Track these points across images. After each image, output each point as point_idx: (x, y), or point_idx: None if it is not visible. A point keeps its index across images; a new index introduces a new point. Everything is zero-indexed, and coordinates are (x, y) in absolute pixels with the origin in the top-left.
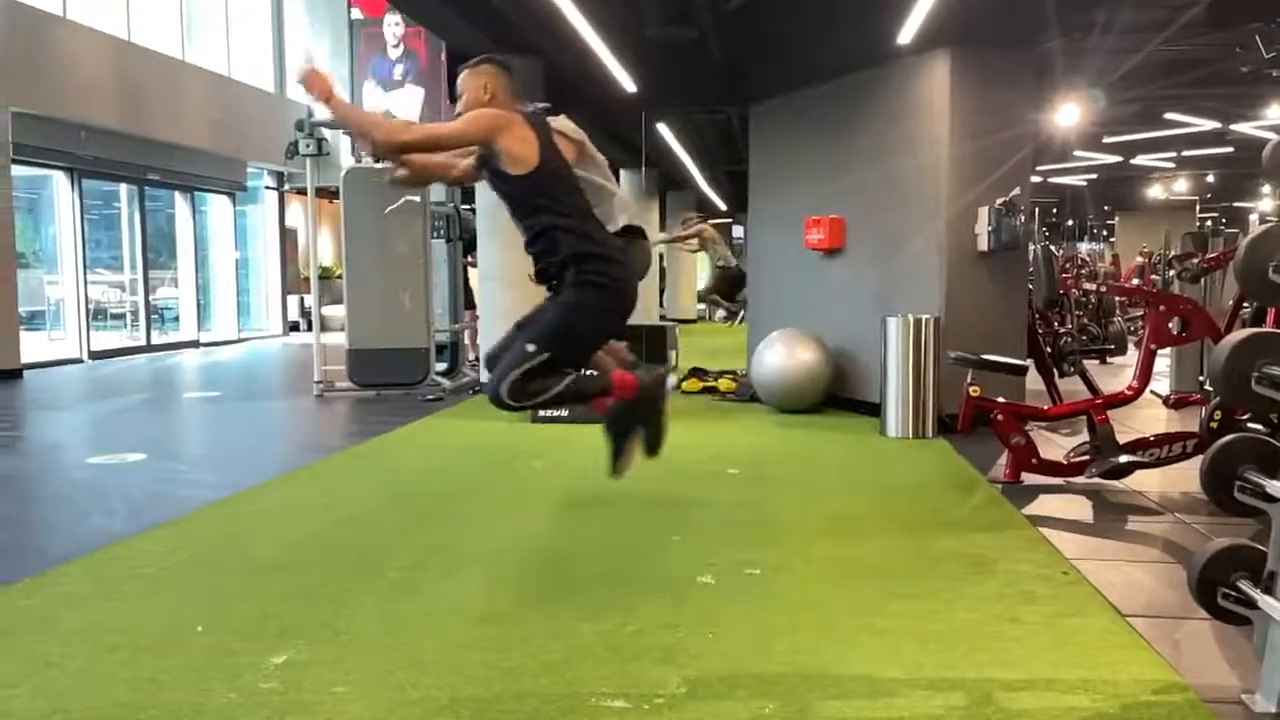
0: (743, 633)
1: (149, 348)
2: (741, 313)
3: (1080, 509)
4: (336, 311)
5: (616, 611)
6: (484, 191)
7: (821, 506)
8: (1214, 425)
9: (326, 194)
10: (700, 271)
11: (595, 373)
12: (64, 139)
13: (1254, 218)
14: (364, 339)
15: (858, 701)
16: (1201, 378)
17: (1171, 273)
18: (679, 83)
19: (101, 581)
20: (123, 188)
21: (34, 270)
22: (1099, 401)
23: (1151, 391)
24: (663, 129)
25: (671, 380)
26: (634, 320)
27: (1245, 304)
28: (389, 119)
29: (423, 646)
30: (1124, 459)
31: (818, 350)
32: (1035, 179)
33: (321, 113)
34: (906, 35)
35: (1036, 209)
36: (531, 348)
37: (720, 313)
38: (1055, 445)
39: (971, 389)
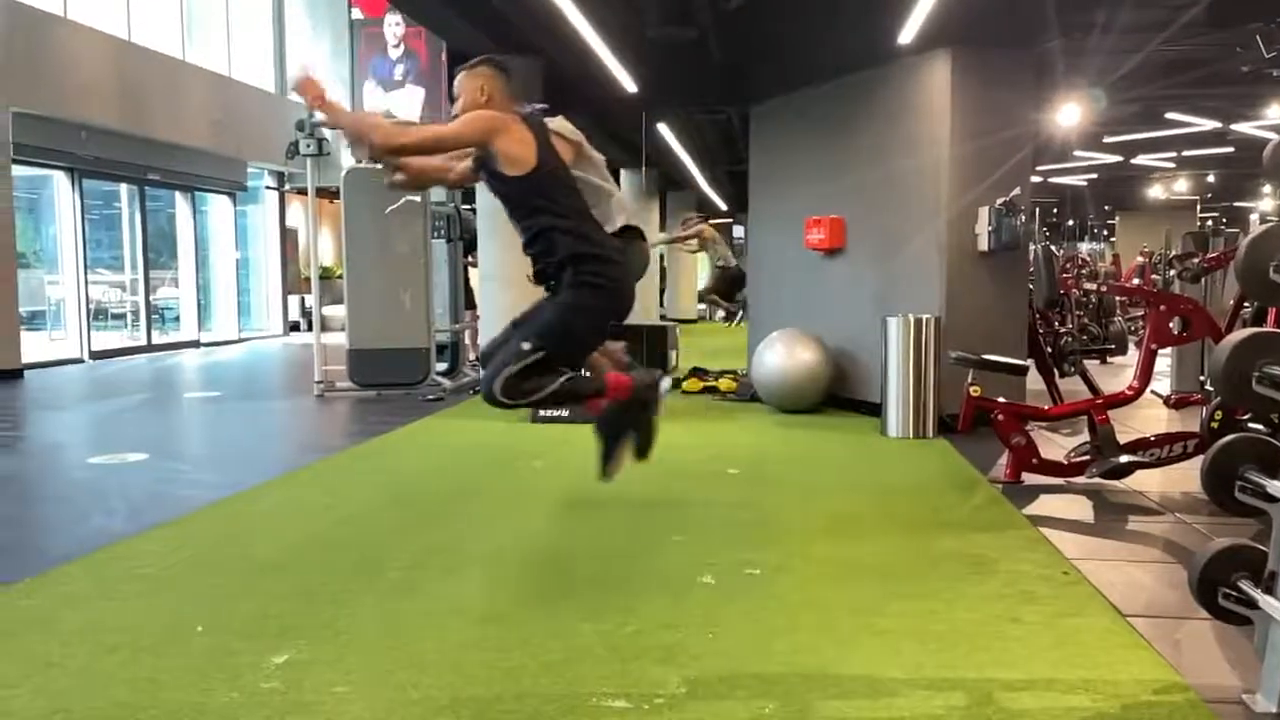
0: (743, 633)
1: (149, 348)
2: (740, 313)
3: (1081, 509)
4: (337, 311)
5: (617, 611)
6: (484, 192)
7: (822, 506)
8: (1215, 425)
9: (327, 194)
10: (701, 271)
11: (590, 373)
12: (64, 139)
13: (1254, 217)
14: (364, 339)
15: (858, 701)
16: (1202, 377)
17: (1172, 272)
18: (679, 83)
19: (102, 581)
20: (123, 188)
21: (35, 270)
22: (1099, 401)
23: (1152, 391)
24: (663, 129)
25: (666, 383)
26: (634, 320)
27: (1246, 304)
28: (386, 121)
29: (423, 646)
30: (1124, 459)
31: (818, 350)
32: (1036, 179)
33: (320, 116)
34: (907, 35)
35: (1037, 209)
36: (527, 346)
37: (720, 313)
38: (1056, 445)
39: (972, 389)
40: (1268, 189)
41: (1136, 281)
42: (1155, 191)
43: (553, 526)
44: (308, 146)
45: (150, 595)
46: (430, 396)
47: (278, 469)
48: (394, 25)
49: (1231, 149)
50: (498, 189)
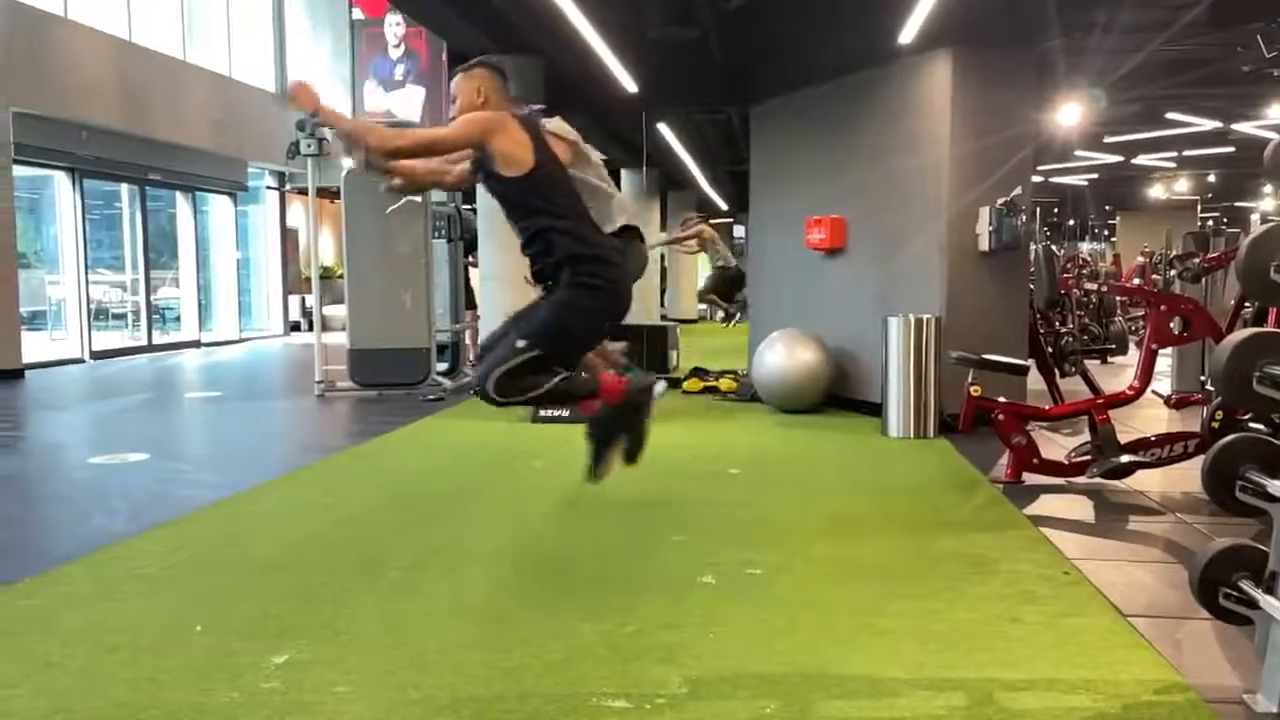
0: (744, 633)
1: (150, 348)
2: (739, 314)
3: (1081, 509)
4: (338, 311)
5: (617, 611)
6: (484, 192)
7: (822, 506)
8: (1215, 425)
9: (328, 194)
10: (701, 271)
11: (584, 374)
12: (65, 139)
13: (1255, 217)
14: (365, 339)
15: (859, 701)
16: (1203, 377)
17: (1173, 272)
18: (680, 83)
19: (102, 581)
20: (124, 188)
21: (35, 270)
22: (1100, 401)
23: (1153, 391)
24: (664, 129)
25: (661, 386)
26: (635, 320)
27: (1247, 304)
28: (382, 125)
29: (424, 646)
30: (1125, 459)
31: (819, 350)
32: (1036, 179)
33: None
34: (907, 35)
35: (1038, 209)
36: (522, 344)
37: (720, 313)
38: (1056, 445)
39: (973, 389)
40: (1268, 189)
41: (1137, 281)
42: (1156, 191)
43: (553, 526)
44: (308, 146)
45: (151, 595)
46: (431, 396)
47: (278, 469)
48: (394, 25)
49: (1232, 149)
50: (495, 190)
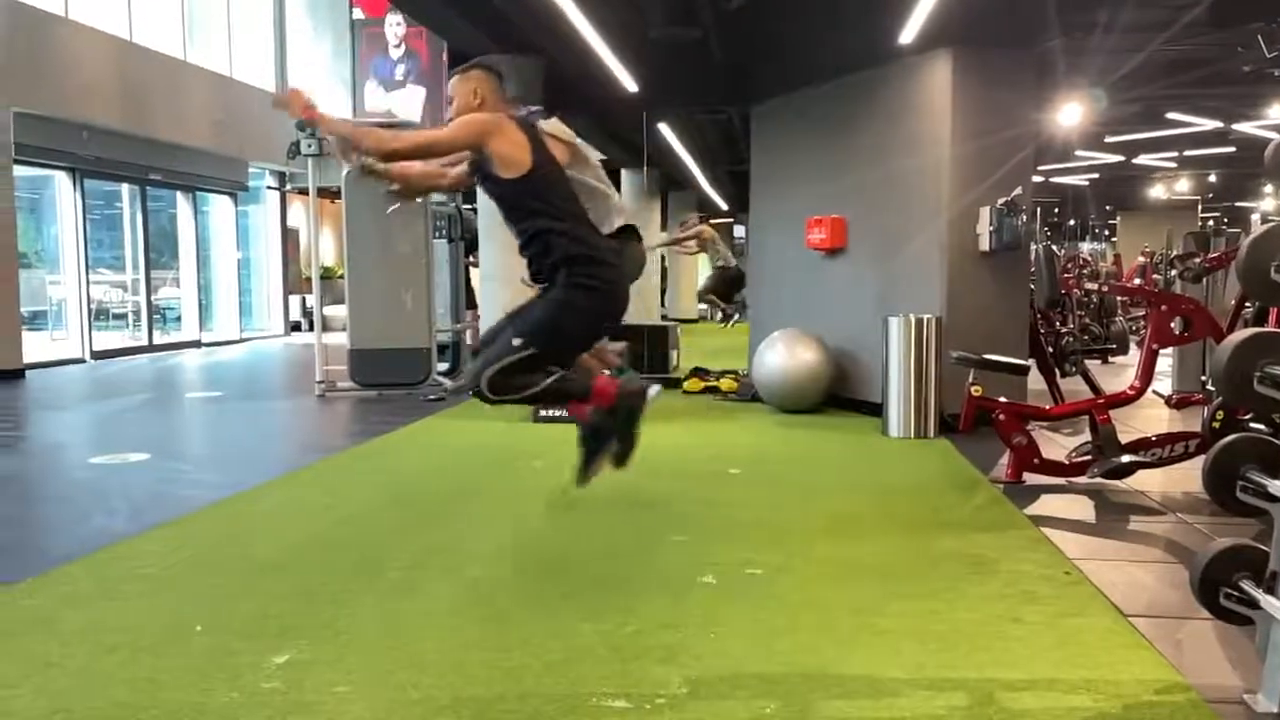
0: (744, 633)
1: (151, 348)
2: (737, 315)
3: (1082, 509)
4: (338, 311)
5: (617, 611)
6: (485, 192)
7: (823, 506)
8: (1216, 425)
9: (328, 194)
10: (702, 271)
11: (577, 375)
12: (66, 139)
13: (1256, 217)
14: (366, 339)
15: (860, 701)
16: (1203, 377)
17: (1173, 272)
18: (680, 83)
19: (103, 581)
20: (125, 188)
21: (36, 270)
22: (1101, 401)
23: (1153, 391)
24: (664, 129)
25: (655, 390)
26: (635, 320)
27: (1247, 304)
28: (377, 128)
29: (424, 646)
30: (1126, 459)
31: (819, 350)
32: (1037, 179)
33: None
34: (908, 35)
35: (1038, 209)
36: (518, 342)
37: (720, 313)
38: (1057, 445)
39: (973, 389)
40: (1269, 189)
41: (1138, 281)
42: (1157, 191)
43: (553, 526)
44: (309, 147)
45: (151, 595)
46: (431, 396)
47: (279, 469)
48: (395, 25)
49: (1233, 149)
50: (493, 192)
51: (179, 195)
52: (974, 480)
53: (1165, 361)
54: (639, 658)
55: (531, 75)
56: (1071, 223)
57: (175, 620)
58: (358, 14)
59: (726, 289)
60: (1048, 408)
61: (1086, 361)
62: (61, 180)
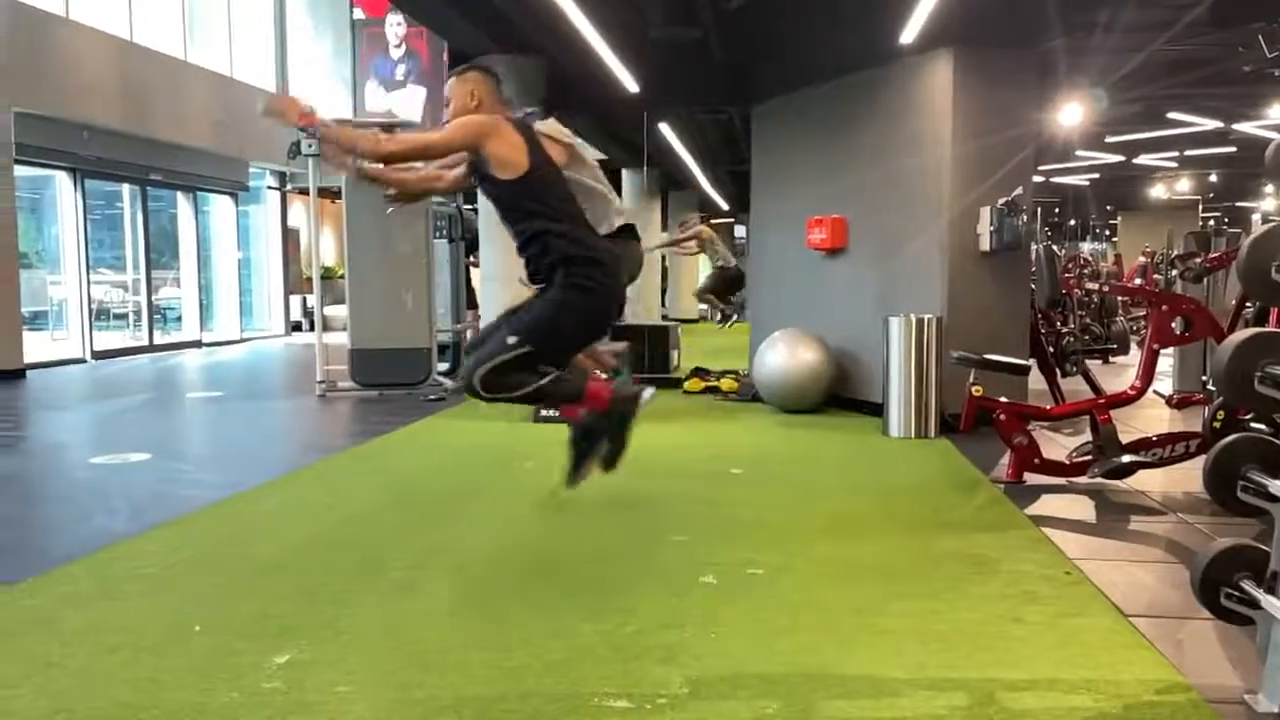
0: (745, 632)
1: (151, 348)
2: (735, 316)
3: (1083, 509)
4: (339, 311)
5: (618, 611)
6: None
7: (824, 506)
8: (1217, 425)
9: (329, 194)
10: (702, 271)
11: (571, 377)
12: (67, 139)
13: (1256, 217)
14: (366, 339)
15: (861, 701)
16: (1204, 377)
17: (1174, 272)
18: (681, 82)
19: (104, 581)
20: (125, 188)
21: (37, 270)
22: (1102, 401)
23: (1154, 391)
24: (665, 129)
25: (649, 393)
26: (636, 320)
27: (1248, 304)
28: (372, 132)
29: (425, 646)
30: (1127, 459)
31: (820, 350)
32: (1037, 178)
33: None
34: (908, 35)
35: (1039, 208)
36: (512, 340)
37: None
38: (1058, 445)
39: (974, 389)
40: (1270, 189)
41: (1139, 281)
42: (1157, 191)
43: (554, 527)
44: (309, 146)
45: (152, 595)
46: (432, 396)
47: (279, 469)
48: (395, 25)
49: (1234, 149)
50: (490, 193)
51: (179, 195)
52: (975, 480)
53: (1166, 361)
54: (640, 658)
55: (532, 75)
56: (1072, 222)
57: (176, 620)
58: (358, 14)
59: (725, 289)
60: (1048, 408)
61: (1087, 361)
62: (62, 180)
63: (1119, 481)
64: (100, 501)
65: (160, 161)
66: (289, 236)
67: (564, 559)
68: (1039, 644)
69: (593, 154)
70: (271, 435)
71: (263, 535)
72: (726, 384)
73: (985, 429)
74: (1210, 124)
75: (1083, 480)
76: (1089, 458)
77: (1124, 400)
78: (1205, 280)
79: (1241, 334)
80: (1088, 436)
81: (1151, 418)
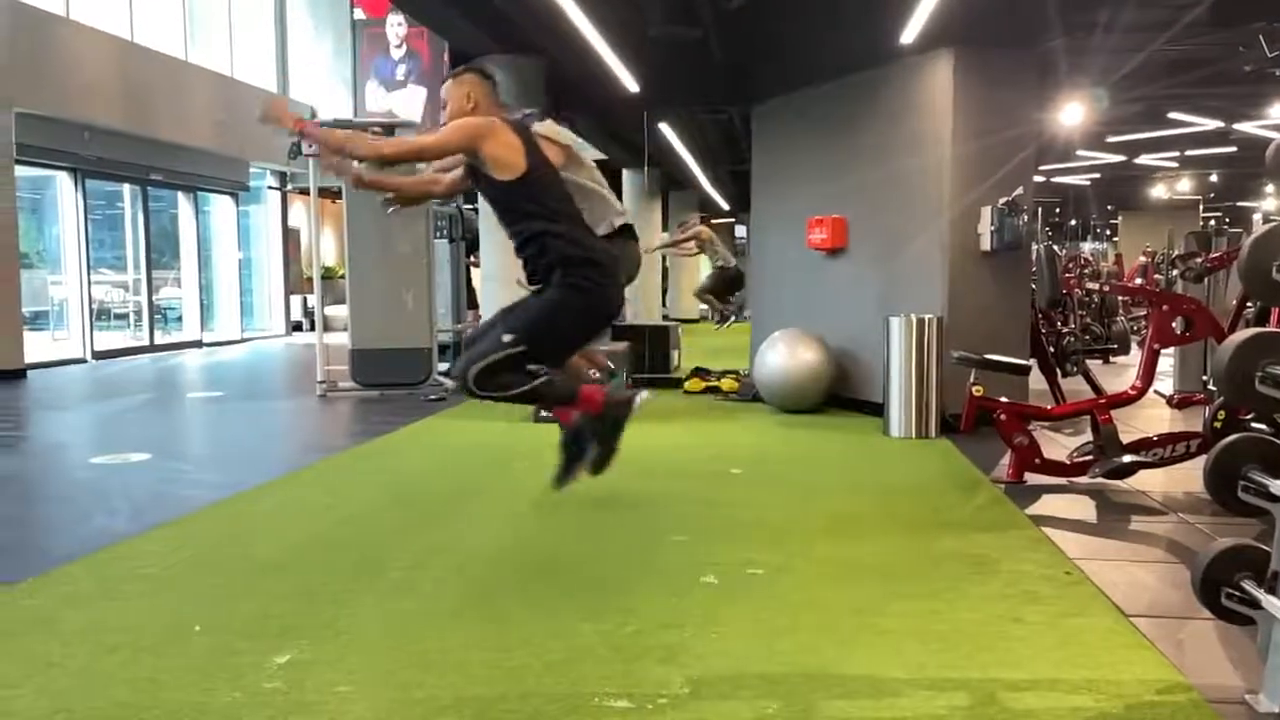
0: (746, 632)
1: (152, 348)
2: (732, 317)
3: (1083, 509)
4: (339, 311)
5: (619, 611)
6: None
7: (824, 506)
8: (1218, 425)
9: (329, 194)
10: (703, 271)
11: (565, 379)
12: (68, 139)
13: (1257, 217)
14: (367, 339)
15: (861, 701)
16: (1205, 377)
17: (1175, 272)
18: (681, 82)
19: (104, 581)
20: (126, 188)
21: (38, 270)
22: (1102, 401)
23: (1155, 391)
24: (665, 129)
25: (643, 396)
26: (637, 320)
27: (1249, 304)
28: (368, 135)
29: (425, 646)
30: (1127, 459)
31: (820, 350)
32: (1038, 178)
33: (323, 117)
34: (909, 35)
35: (1039, 208)
36: (508, 338)
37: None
38: (1058, 445)
39: (975, 389)
40: (1270, 189)
41: (1139, 281)
42: (1158, 191)
43: (554, 526)
44: (310, 147)
45: (152, 595)
46: (432, 396)
47: (280, 469)
48: (396, 25)
49: (1234, 148)
50: (488, 194)
51: (180, 195)
52: (975, 480)
53: (1167, 361)
54: (640, 658)
55: (533, 75)
56: (1073, 222)
57: (176, 620)
58: (359, 14)
59: (724, 289)
60: (1049, 408)
61: (1088, 361)
62: (63, 180)
63: (1120, 481)
64: (100, 501)
65: (161, 161)
66: (289, 236)
67: (564, 559)
68: (1039, 644)
69: (591, 155)
70: (272, 435)
71: (263, 535)
72: (727, 384)
73: (986, 429)
74: (1211, 124)
75: (1083, 480)
76: (1090, 458)
77: (1125, 400)
78: (1206, 280)
79: (1242, 334)
80: (1088, 436)
81: (1152, 418)
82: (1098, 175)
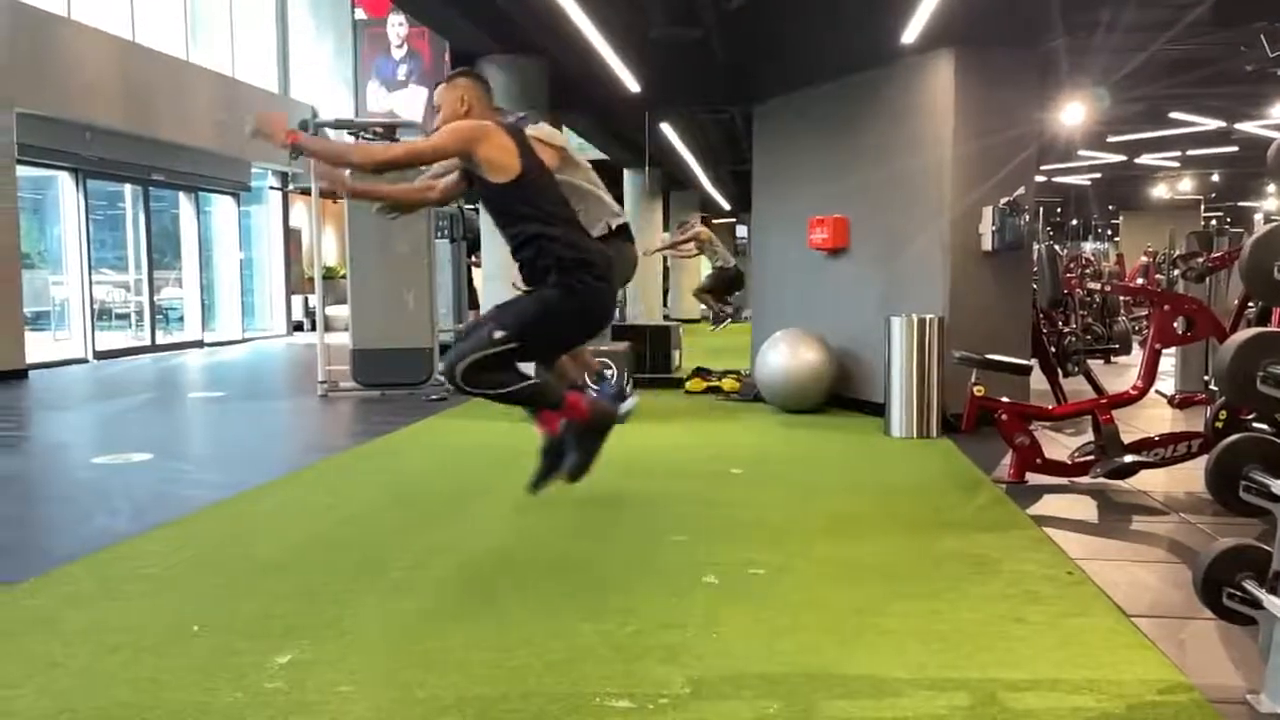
0: (746, 632)
1: (154, 348)
2: (728, 319)
3: (1085, 509)
4: (340, 311)
5: (620, 611)
6: None
7: (825, 506)
8: (1219, 425)
9: (331, 194)
10: (704, 271)
11: (553, 383)
12: (69, 139)
13: (1259, 217)
14: (368, 339)
15: (862, 701)
16: (1206, 377)
17: (1176, 272)
18: (682, 82)
19: (105, 581)
20: (127, 188)
21: (39, 271)
22: (1104, 401)
23: (1156, 391)
24: (666, 129)
25: (629, 405)
26: (638, 320)
27: (1250, 303)
28: (361, 143)
29: (427, 646)
30: (1129, 459)
31: (821, 350)
32: (1039, 178)
33: (324, 117)
34: (910, 35)
35: (1041, 208)
36: (499, 335)
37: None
38: (1060, 445)
39: (976, 389)
40: (1272, 188)
41: (1141, 281)
42: (1159, 191)
43: (555, 526)
44: None
45: (153, 595)
46: (434, 396)
47: (281, 469)
48: (397, 26)
49: (1236, 148)
50: (483, 196)
51: (181, 195)
52: (976, 480)
53: (1168, 361)
54: (641, 658)
55: (534, 76)
56: (1074, 222)
57: (178, 620)
58: (360, 14)
59: (723, 289)
60: (1050, 408)
61: (1089, 361)
62: (64, 180)
63: (1121, 481)
64: (102, 501)
65: (162, 162)
66: (291, 236)
67: (565, 559)
68: (1041, 644)
69: (592, 155)
70: (273, 435)
71: (264, 535)
72: (728, 384)
73: (987, 429)
74: (1212, 123)
75: (1085, 480)
76: (1091, 458)
77: (1126, 400)
78: (1207, 280)
79: (1244, 334)
80: (1090, 436)
81: (1153, 418)
82: (1099, 175)
